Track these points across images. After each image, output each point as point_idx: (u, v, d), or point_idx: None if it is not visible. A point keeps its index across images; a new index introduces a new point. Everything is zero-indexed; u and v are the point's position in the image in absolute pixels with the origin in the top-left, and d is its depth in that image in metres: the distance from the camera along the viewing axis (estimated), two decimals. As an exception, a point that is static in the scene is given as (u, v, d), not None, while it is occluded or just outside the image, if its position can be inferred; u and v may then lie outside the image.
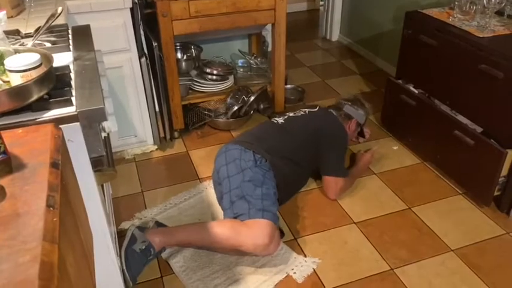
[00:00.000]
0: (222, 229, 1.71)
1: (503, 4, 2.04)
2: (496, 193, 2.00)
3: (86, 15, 1.98)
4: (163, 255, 1.81)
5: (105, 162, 1.27)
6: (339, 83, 3.31)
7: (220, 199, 1.90)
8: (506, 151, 1.87)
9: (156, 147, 2.51)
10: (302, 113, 2.21)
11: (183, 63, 2.68)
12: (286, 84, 2.97)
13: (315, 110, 2.25)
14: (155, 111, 2.44)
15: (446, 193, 2.18)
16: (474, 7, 2.16)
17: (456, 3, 2.21)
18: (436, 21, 2.21)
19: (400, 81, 2.48)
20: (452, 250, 1.85)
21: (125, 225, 1.97)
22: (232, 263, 1.79)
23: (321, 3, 4.25)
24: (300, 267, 1.78)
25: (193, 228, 1.81)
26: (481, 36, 1.99)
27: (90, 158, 1.19)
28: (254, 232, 1.67)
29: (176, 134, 2.61)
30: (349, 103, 2.38)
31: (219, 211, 1.98)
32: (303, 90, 3.10)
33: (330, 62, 3.70)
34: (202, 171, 2.35)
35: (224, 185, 1.82)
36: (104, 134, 1.24)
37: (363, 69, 3.52)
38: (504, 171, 1.93)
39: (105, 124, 1.25)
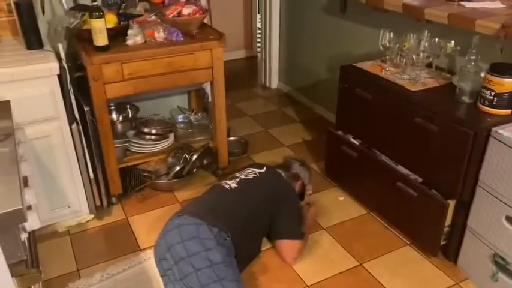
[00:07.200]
0: None
1: (431, 58, 2.14)
2: (442, 242, 2.03)
3: (7, 85, 1.83)
4: None
5: (28, 264, 1.12)
6: (281, 132, 3.31)
7: (177, 278, 1.70)
8: (448, 202, 1.91)
9: (92, 216, 2.33)
10: (253, 175, 2.13)
11: (119, 125, 2.56)
12: (229, 136, 2.91)
13: (263, 170, 2.17)
14: (89, 179, 2.28)
15: (395, 245, 2.17)
16: (404, 60, 2.26)
17: (387, 56, 2.30)
18: (370, 75, 2.27)
19: (340, 132, 2.50)
20: (406, 308, 1.83)
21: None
22: None
23: (258, 49, 4.30)
24: None
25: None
26: (413, 90, 2.06)
27: (9, 265, 1.04)
28: None
29: (114, 200, 2.44)
30: (299, 163, 2.36)
31: (158, 285, 1.83)
32: (246, 142, 3.06)
33: (271, 111, 3.71)
34: (144, 240, 2.20)
35: (184, 265, 1.68)
36: (24, 236, 1.10)
37: (304, 116, 3.55)
38: (448, 221, 1.96)
39: (26, 223, 1.11)
